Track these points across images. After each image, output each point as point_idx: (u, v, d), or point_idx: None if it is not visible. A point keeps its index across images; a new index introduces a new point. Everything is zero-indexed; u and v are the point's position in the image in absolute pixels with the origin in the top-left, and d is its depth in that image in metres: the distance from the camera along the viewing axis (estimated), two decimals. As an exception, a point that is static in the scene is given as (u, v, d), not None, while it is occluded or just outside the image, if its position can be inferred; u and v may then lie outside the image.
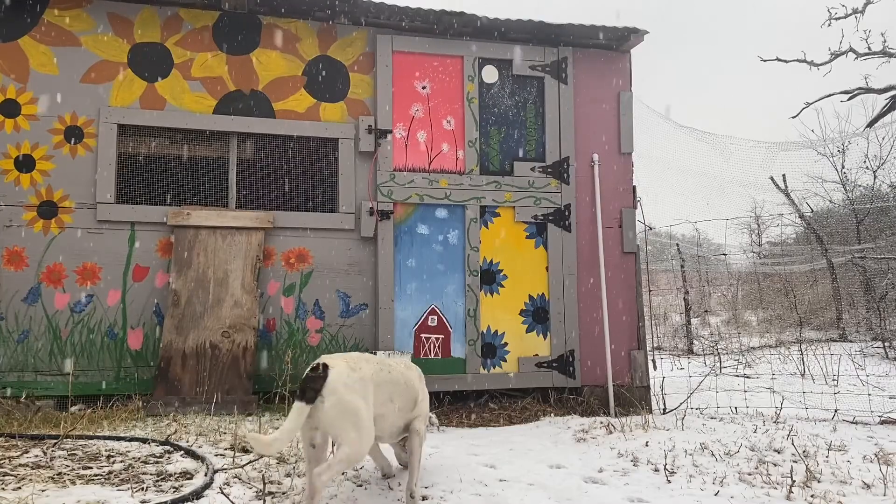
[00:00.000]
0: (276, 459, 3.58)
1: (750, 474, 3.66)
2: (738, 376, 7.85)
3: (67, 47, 5.24)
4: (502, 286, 5.83)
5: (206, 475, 3.19)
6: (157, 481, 3.14)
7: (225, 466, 3.37)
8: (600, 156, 6.12)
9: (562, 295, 5.88)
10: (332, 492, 3.14)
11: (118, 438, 3.89)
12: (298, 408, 2.66)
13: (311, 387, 2.72)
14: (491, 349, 5.73)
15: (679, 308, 12.77)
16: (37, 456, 3.45)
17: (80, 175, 5.18)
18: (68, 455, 3.53)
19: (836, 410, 5.46)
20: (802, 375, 7.59)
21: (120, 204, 5.25)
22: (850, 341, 10.77)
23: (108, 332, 5.12)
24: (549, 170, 5.98)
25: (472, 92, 5.90)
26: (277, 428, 4.25)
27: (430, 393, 5.55)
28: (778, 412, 5.35)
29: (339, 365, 2.84)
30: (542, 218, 5.92)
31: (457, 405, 5.66)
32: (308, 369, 2.82)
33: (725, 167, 8.64)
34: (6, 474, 3.11)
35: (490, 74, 5.97)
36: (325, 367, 2.80)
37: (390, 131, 5.70)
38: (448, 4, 5.61)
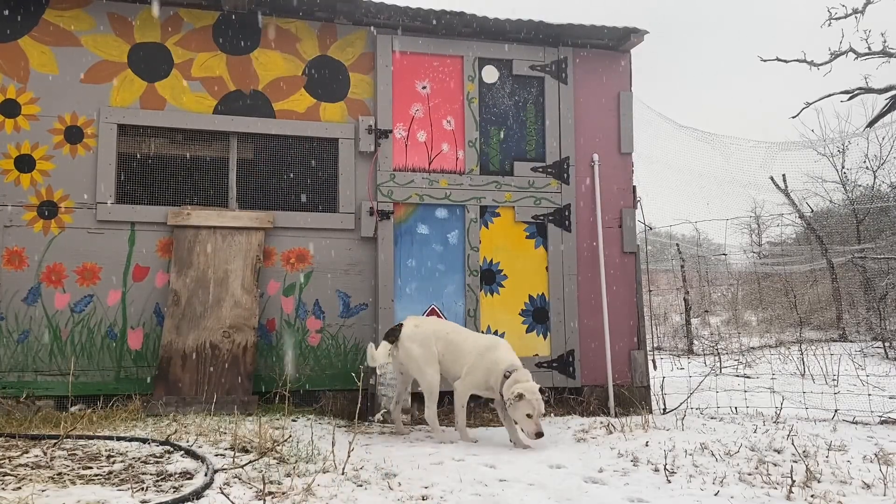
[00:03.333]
0: (276, 459, 3.58)
1: (750, 474, 3.66)
2: (738, 376, 7.85)
3: (67, 47, 5.24)
4: (502, 286, 5.83)
5: (206, 475, 3.19)
6: (157, 481, 3.14)
7: (225, 466, 3.37)
8: (600, 156, 6.12)
9: (562, 295, 5.88)
10: (332, 492, 3.14)
11: (118, 438, 3.88)
12: (384, 344, 4.65)
13: (393, 333, 4.70)
14: (491, 349, 5.73)
15: (679, 308, 12.77)
16: (37, 456, 3.45)
17: (80, 175, 5.18)
18: (68, 455, 3.53)
19: (836, 410, 5.45)
20: (802, 375, 7.59)
21: (120, 204, 5.25)
22: (851, 341, 10.77)
23: (108, 332, 5.12)
24: (549, 170, 5.98)
25: (472, 92, 5.90)
26: (278, 428, 4.27)
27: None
28: (778, 412, 5.35)
29: (408, 323, 4.71)
30: (542, 218, 5.92)
31: (457, 405, 5.66)
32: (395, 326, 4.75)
33: (725, 167, 8.65)
34: (6, 474, 3.11)
35: (490, 74, 5.97)
36: (401, 325, 4.70)
37: (390, 131, 5.70)
38: (448, 4, 5.61)
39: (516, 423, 4.29)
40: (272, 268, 5.45)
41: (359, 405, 4.38)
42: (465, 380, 4.53)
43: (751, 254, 15.98)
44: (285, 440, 3.82)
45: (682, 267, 12.36)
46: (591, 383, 5.86)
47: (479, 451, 4.18)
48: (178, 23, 5.45)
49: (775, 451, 4.15)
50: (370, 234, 5.58)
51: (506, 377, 4.32)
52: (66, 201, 5.15)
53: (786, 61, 15.32)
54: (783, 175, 11.75)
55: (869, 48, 14.37)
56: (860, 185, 14.75)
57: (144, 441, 3.84)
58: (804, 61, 15.15)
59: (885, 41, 14.27)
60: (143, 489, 2.99)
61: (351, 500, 3.07)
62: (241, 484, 3.14)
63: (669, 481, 3.56)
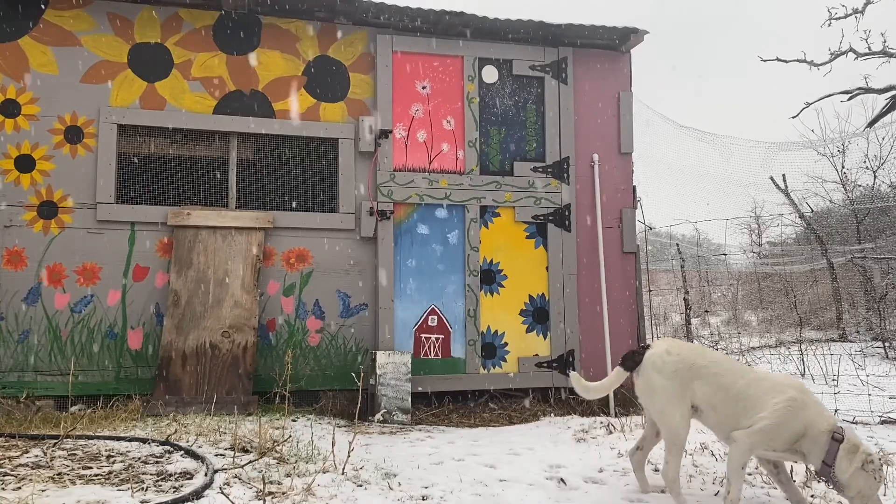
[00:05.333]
0: (276, 459, 3.58)
1: (750, 474, 3.66)
2: (738, 376, 7.83)
3: (67, 47, 5.24)
4: (502, 286, 5.83)
5: (206, 475, 3.19)
6: (157, 481, 3.14)
7: (225, 466, 3.37)
8: (600, 156, 6.12)
9: (562, 295, 5.88)
10: (332, 492, 3.14)
11: (118, 438, 3.89)
12: (617, 371, 3.40)
13: (632, 358, 3.37)
14: (491, 349, 5.73)
15: (679, 308, 12.77)
16: (37, 456, 3.45)
17: (80, 175, 5.18)
18: (68, 455, 3.53)
19: (836, 410, 5.45)
20: (802, 375, 7.58)
21: (120, 204, 5.25)
22: (850, 341, 10.76)
23: (108, 332, 5.12)
24: (549, 170, 5.98)
25: (472, 92, 5.90)
26: (278, 428, 4.26)
27: (430, 393, 5.59)
28: (778, 412, 5.33)
29: (658, 347, 3.35)
30: (542, 218, 5.92)
31: (457, 405, 5.67)
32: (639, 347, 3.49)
33: (725, 167, 8.66)
34: (6, 474, 3.11)
35: (490, 74, 5.97)
36: (646, 346, 3.37)
37: (390, 131, 5.70)
38: (448, 4, 5.61)
39: (848, 494, 2.96)
40: (272, 268, 5.45)
41: (359, 405, 4.38)
42: (753, 433, 3.08)
43: (751, 254, 15.98)
44: (285, 440, 3.82)
45: (682, 267, 12.36)
46: (591, 383, 5.86)
47: (479, 451, 4.18)
48: (178, 23, 5.45)
49: (775, 451, 4.14)
50: (370, 234, 5.58)
51: (836, 440, 2.97)
52: (66, 201, 5.15)
53: (786, 61, 15.32)
54: (783, 175, 11.76)
55: (869, 48, 14.36)
56: (860, 185, 14.74)
57: (144, 441, 3.84)
58: (804, 61, 15.15)
59: (885, 41, 14.26)
60: (143, 489, 2.99)
61: (351, 500, 3.07)
62: (241, 484, 3.14)
63: (669, 481, 3.55)
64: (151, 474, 3.24)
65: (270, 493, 3.02)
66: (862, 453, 2.91)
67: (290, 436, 4.01)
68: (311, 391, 5.37)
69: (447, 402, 5.67)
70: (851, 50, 14.43)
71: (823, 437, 2.98)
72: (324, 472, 3.40)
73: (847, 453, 2.93)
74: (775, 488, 3.43)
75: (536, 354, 5.81)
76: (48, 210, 5.12)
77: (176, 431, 4.09)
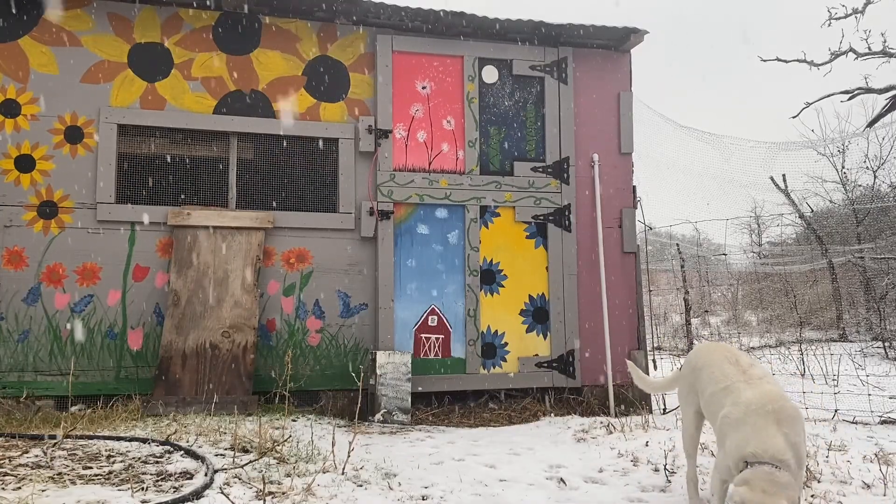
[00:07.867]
0: (276, 459, 3.58)
1: (750, 475, 3.65)
2: (738, 376, 7.82)
3: (67, 47, 5.24)
4: (502, 286, 5.83)
5: (206, 475, 3.19)
6: (157, 481, 3.14)
7: (225, 466, 3.37)
8: (600, 156, 6.12)
9: (562, 295, 5.88)
10: (332, 492, 3.14)
11: (118, 438, 3.88)
12: (677, 372, 3.52)
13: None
14: (491, 349, 5.73)
15: (679, 308, 12.77)
16: (37, 456, 3.45)
17: (80, 175, 5.18)
18: (68, 455, 3.53)
19: (836, 410, 5.45)
20: (802, 375, 7.58)
21: (120, 204, 5.25)
22: (850, 341, 10.76)
23: (108, 332, 5.12)
24: (549, 170, 5.98)
25: (472, 92, 5.90)
26: (278, 428, 4.26)
27: (430, 393, 5.59)
28: (778, 412, 5.32)
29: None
30: (542, 218, 5.92)
31: (457, 405, 5.66)
32: None
33: (725, 167, 8.66)
34: (6, 474, 3.11)
35: (490, 74, 5.97)
36: None
37: (390, 131, 5.70)
38: (448, 4, 5.62)
39: None
40: (272, 268, 5.45)
41: (359, 405, 4.38)
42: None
43: (751, 254, 15.99)
44: (285, 440, 3.82)
45: (682, 267, 12.36)
46: (591, 383, 5.86)
47: (479, 451, 4.18)
48: (178, 23, 5.45)
49: (775, 451, 4.13)
50: (370, 234, 5.58)
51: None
52: (66, 201, 5.15)
53: (786, 61, 15.33)
54: (783, 175, 11.76)
55: (869, 48, 14.37)
56: (860, 185, 14.75)
57: (144, 441, 3.84)
58: (804, 61, 15.16)
59: (885, 41, 14.27)
60: (143, 489, 2.99)
61: (351, 500, 3.07)
62: (241, 484, 3.14)
63: (669, 481, 3.56)
64: (151, 474, 3.24)
65: (270, 493, 3.02)
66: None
67: (290, 436, 4.01)
68: (311, 391, 5.37)
69: (447, 402, 5.67)
70: (851, 50, 14.44)
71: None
72: (324, 472, 3.40)
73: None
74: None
75: (536, 354, 5.80)
76: (48, 210, 5.12)
77: (176, 431, 4.09)
